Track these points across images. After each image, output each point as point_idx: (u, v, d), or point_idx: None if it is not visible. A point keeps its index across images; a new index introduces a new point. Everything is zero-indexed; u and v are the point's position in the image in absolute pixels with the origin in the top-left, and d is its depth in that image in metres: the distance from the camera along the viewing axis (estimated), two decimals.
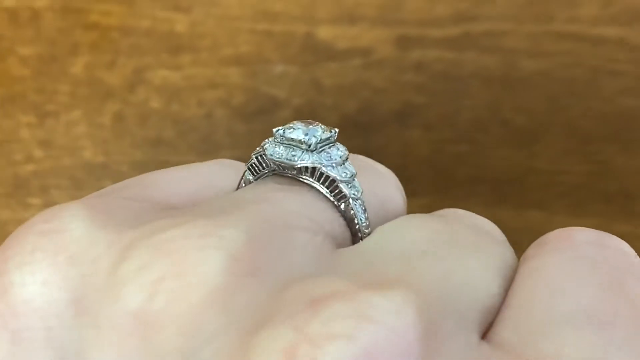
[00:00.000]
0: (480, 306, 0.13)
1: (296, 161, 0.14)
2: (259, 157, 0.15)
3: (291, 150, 0.14)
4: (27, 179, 0.24)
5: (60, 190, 0.24)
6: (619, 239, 0.14)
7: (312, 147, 0.14)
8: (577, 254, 0.14)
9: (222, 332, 0.11)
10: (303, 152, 0.14)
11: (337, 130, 0.15)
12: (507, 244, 0.15)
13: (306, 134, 0.14)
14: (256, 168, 0.15)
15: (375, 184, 0.15)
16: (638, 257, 0.14)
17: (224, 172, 0.15)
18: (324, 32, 0.22)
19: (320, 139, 0.14)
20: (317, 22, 0.22)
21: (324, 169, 0.14)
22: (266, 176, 0.14)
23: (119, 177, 0.24)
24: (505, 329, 0.12)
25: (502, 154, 0.23)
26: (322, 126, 0.14)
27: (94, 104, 0.24)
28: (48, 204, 0.24)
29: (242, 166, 0.15)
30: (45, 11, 0.23)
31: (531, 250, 0.14)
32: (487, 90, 0.23)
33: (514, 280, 0.14)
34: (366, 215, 0.14)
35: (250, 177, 0.15)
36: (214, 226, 0.12)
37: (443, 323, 0.12)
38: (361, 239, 0.14)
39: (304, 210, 0.13)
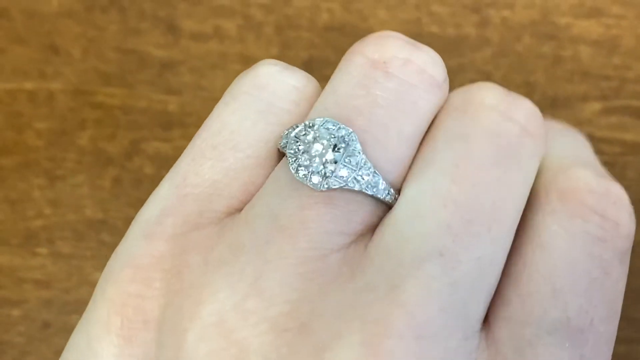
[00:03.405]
0: (486, 295, 0.13)
1: (318, 188, 0.13)
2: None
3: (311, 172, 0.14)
4: (36, 232, 0.25)
5: (64, 241, 0.25)
6: (616, 192, 0.14)
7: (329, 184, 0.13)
8: (579, 229, 0.13)
9: None
10: (322, 177, 0.13)
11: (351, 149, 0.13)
12: (542, 141, 0.14)
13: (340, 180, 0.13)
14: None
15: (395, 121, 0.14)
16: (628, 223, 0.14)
17: (268, 132, 0.14)
18: None
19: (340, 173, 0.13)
20: None
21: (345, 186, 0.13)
22: None
23: (115, 231, 0.25)
24: (503, 333, 0.13)
25: None
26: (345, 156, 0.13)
27: (96, 169, 0.25)
28: (53, 254, 0.25)
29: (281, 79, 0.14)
30: (59, 93, 0.25)
31: (556, 204, 0.13)
32: None
33: (520, 239, 0.13)
34: (379, 181, 0.13)
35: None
36: (264, 307, 0.12)
37: (443, 333, 0.12)
38: (392, 205, 0.14)
39: (335, 225, 0.13)
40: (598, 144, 0.25)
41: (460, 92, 0.14)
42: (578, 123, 0.25)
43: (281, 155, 0.15)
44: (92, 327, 0.14)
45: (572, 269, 0.13)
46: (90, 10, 0.25)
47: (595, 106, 0.25)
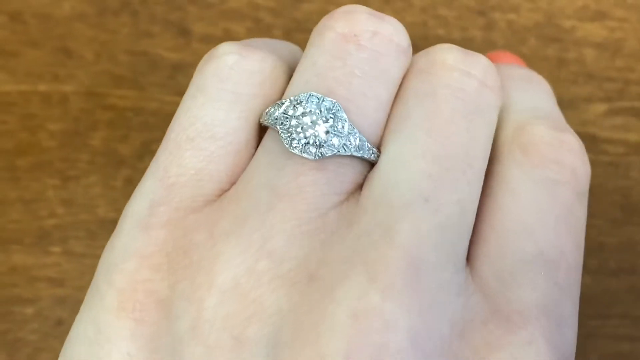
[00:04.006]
0: (467, 232, 0.15)
1: (313, 158, 0.15)
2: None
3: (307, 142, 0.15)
4: (49, 232, 0.25)
5: (77, 241, 0.25)
6: (568, 141, 0.15)
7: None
8: (541, 175, 0.15)
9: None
10: (316, 148, 0.15)
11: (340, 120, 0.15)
12: (499, 92, 0.16)
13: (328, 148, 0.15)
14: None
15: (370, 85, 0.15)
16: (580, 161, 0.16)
17: (247, 120, 0.15)
18: None
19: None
20: None
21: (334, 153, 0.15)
22: None
23: None
24: (485, 267, 0.15)
25: None
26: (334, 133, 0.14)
27: (108, 170, 0.25)
28: (66, 252, 0.25)
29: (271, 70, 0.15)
30: (72, 94, 0.25)
31: (519, 157, 0.15)
32: None
33: (491, 187, 0.15)
34: (365, 145, 0.15)
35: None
36: (274, 267, 0.14)
37: (434, 272, 0.14)
38: (375, 162, 0.15)
39: (330, 187, 0.15)
40: (602, 144, 0.25)
41: (424, 55, 0.16)
42: (582, 124, 0.25)
43: (260, 132, 0.16)
44: (100, 315, 0.15)
45: (540, 209, 0.15)
46: (102, 14, 0.25)
47: (600, 107, 0.25)
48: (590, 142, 0.25)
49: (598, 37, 0.25)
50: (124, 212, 0.16)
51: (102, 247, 0.26)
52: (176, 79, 0.25)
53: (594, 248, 0.25)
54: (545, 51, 0.25)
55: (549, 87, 0.18)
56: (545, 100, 0.17)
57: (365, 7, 0.16)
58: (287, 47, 0.18)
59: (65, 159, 0.26)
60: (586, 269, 0.25)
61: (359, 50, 0.15)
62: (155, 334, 0.14)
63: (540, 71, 0.25)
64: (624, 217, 0.25)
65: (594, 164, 0.25)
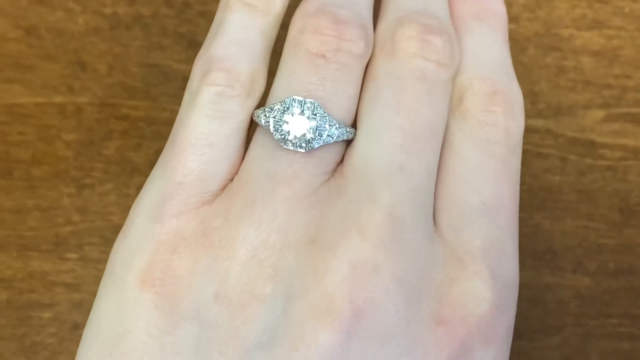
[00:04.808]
0: (433, 190, 0.17)
1: (305, 151, 0.17)
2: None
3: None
4: (65, 238, 0.26)
5: (92, 247, 0.26)
6: (502, 103, 0.18)
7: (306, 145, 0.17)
8: (479, 137, 0.18)
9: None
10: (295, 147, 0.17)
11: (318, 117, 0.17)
12: (453, 68, 0.18)
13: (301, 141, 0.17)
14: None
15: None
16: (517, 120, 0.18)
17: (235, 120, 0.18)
18: None
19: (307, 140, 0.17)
20: None
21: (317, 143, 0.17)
22: None
23: None
24: (442, 219, 0.17)
25: None
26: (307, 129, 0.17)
27: (122, 178, 0.25)
28: (82, 258, 0.26)
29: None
30: (87, 105, 0.26)
31: (460, 121, 0.18)
32: None
33: (445, 151, 0.18)
34: (343, 130, 0.17)
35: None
36: (283, 237, 0.16)
37: (412, 223, 0.16)
38: (352, 139, 0.18)
39: (318, 169, 0.17)
40: (600, 149, 0.25)
41: (389, 39, 0.18)
42: (581, 130, 0.25)
43: (249, 131, 0.18)
44: (122, 294, 0.16)
45: (480, 165, 0.18)
46: (115, 28, 0.26)
47: (598, 114, 0.25)
48: (589, 147, 0.25)
49: (596, 45, 0.25)
50: (133, 208, 0.17)
51: None
52: None
53: (593, 250, 0.25)
54: (545, 59, 0.25)
55: (499, 22, 0.20)
56: (490, 46, 0.19)
57: (329, 25, 0.18)
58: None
59: (81, 168, 0.26)
60: (586, 270, 0.25)
61: (327, 63, 0.18)
62: (176, 303, 0.16)
63: (539, 79, 0.25)
64: (622, 220, 0.25)
65: (592, 168, 0.25)
